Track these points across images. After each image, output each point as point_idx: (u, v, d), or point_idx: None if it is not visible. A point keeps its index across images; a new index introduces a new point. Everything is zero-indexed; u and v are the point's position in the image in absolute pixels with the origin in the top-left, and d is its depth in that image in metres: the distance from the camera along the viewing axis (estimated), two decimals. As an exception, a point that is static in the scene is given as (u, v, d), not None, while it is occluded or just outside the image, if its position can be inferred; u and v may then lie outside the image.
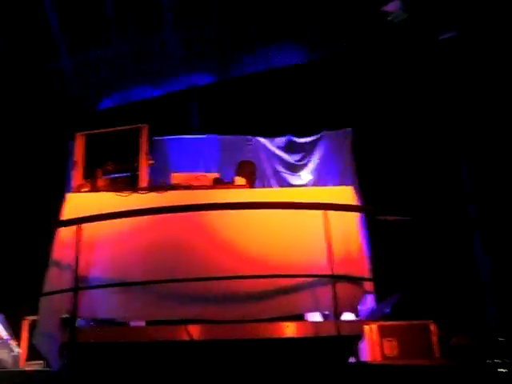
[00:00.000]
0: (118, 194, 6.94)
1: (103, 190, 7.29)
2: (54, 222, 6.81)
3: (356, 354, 6.20)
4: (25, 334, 8.44)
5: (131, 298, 6.29)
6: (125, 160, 7.79)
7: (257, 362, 5.87)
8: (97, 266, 6.41)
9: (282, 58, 11.93)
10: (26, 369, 8.06)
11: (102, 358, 5.92)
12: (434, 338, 6.47)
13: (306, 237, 6.62)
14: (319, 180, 11.58)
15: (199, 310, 6.21)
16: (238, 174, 7.85)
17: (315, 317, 7.28)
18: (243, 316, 6.20)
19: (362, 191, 8.92)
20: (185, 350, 5.86)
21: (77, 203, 6.81)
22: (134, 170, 7.67)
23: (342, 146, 11.95)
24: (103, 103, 12.05)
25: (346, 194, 7.13)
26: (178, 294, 6.22)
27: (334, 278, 6.16)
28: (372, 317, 6.55)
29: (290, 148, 12.12)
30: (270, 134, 12.09)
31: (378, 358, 6.29)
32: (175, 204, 6.47)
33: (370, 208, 7.94)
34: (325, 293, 6.28)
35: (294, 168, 11.89)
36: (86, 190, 7.36)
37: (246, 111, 11.74)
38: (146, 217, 6.45)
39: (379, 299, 7.09)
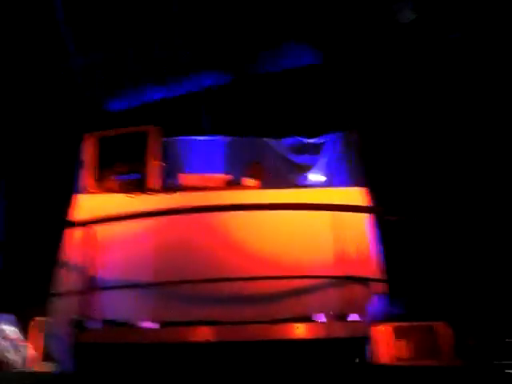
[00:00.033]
0: (129, 195, 6.94)
1: (113, 192, 7.30)
2: (64, 222, 6.81)
3: (366, 354, 6.19)
4: (34, 335, 8.45)
5: (143, 299, 6.30)
6: (135, 161, 7.79)
7: (267, 363, 5.87)
8: (108, 268, 6.42)
9: (293, 59, 11.92)
10: (37, 370, 8.06)
11: (113, 359, 5.93)
12: (447, 340, 6.46)
13: (316, 238, 6.63)
14: (329, 181, 11.56)
15: (211, 312, 6.21)
16: (248, 176, 7.85)
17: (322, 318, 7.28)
18: (254, 317, 6.20)
19: (371, 192, 8.90)
20: (196, 351, 5.86)
21: (87, 205, 6.83)
22: (144, 172, 7.67)
23: (352, 147, 11.92)
24: (115, 105, 12.05)
25: (356, 195, 7.15)
26: (189, 296, 6.23)
27: (345, 280, 6.16)
28: (384, 318, 6.52)
29: (299, 149, 12.07)
30: (279, 136, 12.07)
31: (391, 360, 6.27)
32: (186, 205, 6.47)
33: (379, 209, 7.92)
34: (334, 294, 6.29)
35: (304, 169, 11.87)
36: (96, 191, 7.37)
37: (255, 112, 11.74)
38: (157, 218, 6.46)
39: (391, 300, 7.07)
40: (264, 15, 11.01)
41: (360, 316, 6.55)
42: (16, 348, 8.39)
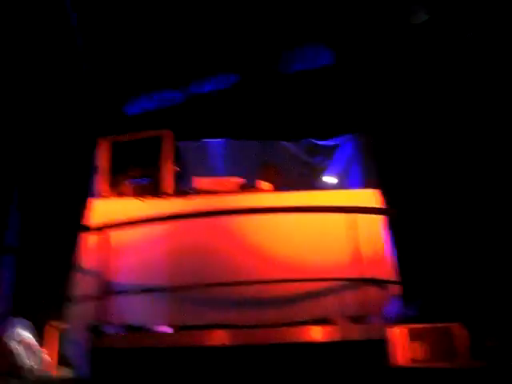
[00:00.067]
0: (143, 199, 6.96)
1: (128, 196, 7.32)
2: (79, 227, 6.84)
3: (384, 357, 6.17)
4: (50, 340, 8.46)
5: (159, 303, 6.31)
6: (149, 166, 7.81)
7: (283, 367, 5.86)
8: (124, 272, 6.44)
9: (307, 60, 11.91)
10: (53, 375, 8.08)
11: (130, 364, 5.93)
12: (462, 341, 6.44)
13: (331, 240, 6.63)
14: (343, 183, 11.54)
15: (227, 315, 6.22)
16: (262, 179, 7.86)
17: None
18: (270, 320, 6.20)
19: (384, 194, 8.89)
20: (212, 355, 5.86)
21: (102, 209, 6.86)
22: (158, 176, 7.69)
23: (365, 149, 11.91)
24: (129, 109, 12.07)
25: (370, 196, 7.15)
26: (205, 299, 6.25)
27: (361, 282, 6.16)
28: (399, 320, 6.52)
29: (312, 151, 12.08)
30: (293, 138, 12.06)
31: (406, 362, 6.25)
32: (200, 209, 6.49)
33: (394, 211, 7.91)
34: (350, 296, 6.29)
35: (317, 171, 11.86)
36: (110, 196, 7.40)
37: (268, 115, 11.72)
38: (171, 222, 6.47)
39: (406, 302, 7.06)
40: (281, 16, 11.01)
41: (376, 318, 6.55)
42: (32, 353, 8.41)
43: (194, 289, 6.19)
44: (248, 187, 7.60)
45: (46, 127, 11.24)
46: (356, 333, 5.98)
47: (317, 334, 6.03)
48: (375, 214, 6.85)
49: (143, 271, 6.47)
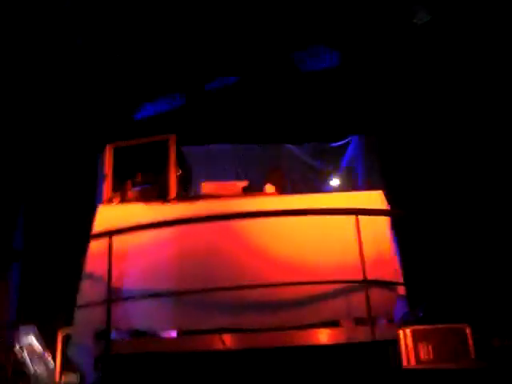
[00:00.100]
0: (149, 204, 6.97)
1: (133, 201, 7.34)
2: (87, 234, 6.85)
3: (390, 359, 6.17)
4: (59, 347, 8.48)
5: (166, 308, 6.32)
6: (154, 171, 7.83)
7: (291, 370, 5.86)
8: (130, 277, 6.44)
9: (312, 62, 11.90)
10: (62, 382, 8.10)
11: (137, 370, 5.94)
12: (469, 342, 6.43)
13: (338, 242, 6.62)
14: (348, 185, 11.55)
15: (233, 319, 6.22)
16: (268, 182, 7.86)
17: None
18: (278, 324, 6.20)
19: (391, 195, 8.89)
20: (219, 359, 5.87)
21: (108, 215, 6.85)
22: (163, 181, 7.71)
23: (370, 151, 11.92)
24: (136, 114, 12.09)
25: (376, 198, 7.13)
26: (211, 303, 6.24)
27: (369, 283, 6.15)
28: (405, 321, 6.50)
29: (318, 154, 12.10)
30: (299, 141, 12.08)
31: (413, 363, 6.25)
32: (207, 213, 6.49)
33: (401, 212, 7.91)
34: (357, 298, 6.29)
35: (323, 174, 11.88)
36: (116, 201, 7.42)
37: (274, 118, 11.72)
38: (177, 226, 6.48)
39: (411, 303, 7.05)
40: (287, 19, 11.01)
41: (383, 320, 6.56)
42: (41, 360, 8.44)
43: (201, 293, 6.19)
44: (253, 191, 7.61)
45: (52, 135, 11.28)
46: (362, 335, 5.98)
47: (323, 336, 6.04)
48: (380, 215, 6.84)
49: (149, 276, 6.47)
